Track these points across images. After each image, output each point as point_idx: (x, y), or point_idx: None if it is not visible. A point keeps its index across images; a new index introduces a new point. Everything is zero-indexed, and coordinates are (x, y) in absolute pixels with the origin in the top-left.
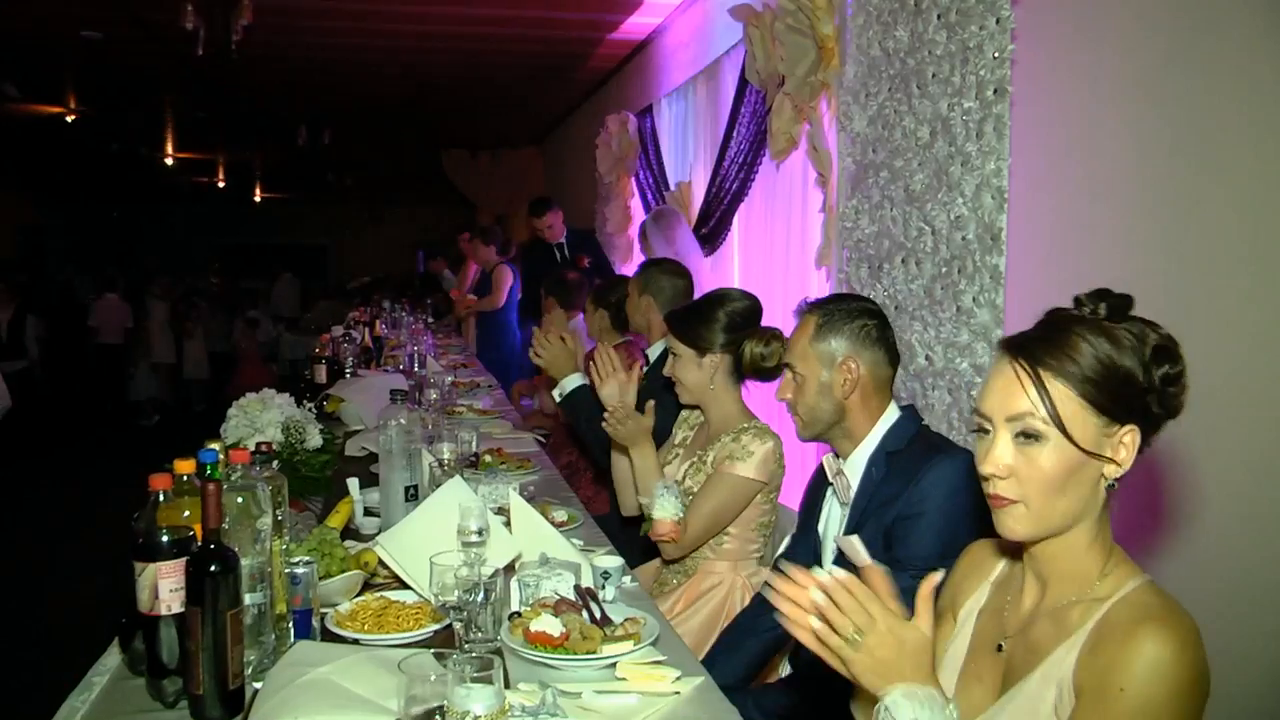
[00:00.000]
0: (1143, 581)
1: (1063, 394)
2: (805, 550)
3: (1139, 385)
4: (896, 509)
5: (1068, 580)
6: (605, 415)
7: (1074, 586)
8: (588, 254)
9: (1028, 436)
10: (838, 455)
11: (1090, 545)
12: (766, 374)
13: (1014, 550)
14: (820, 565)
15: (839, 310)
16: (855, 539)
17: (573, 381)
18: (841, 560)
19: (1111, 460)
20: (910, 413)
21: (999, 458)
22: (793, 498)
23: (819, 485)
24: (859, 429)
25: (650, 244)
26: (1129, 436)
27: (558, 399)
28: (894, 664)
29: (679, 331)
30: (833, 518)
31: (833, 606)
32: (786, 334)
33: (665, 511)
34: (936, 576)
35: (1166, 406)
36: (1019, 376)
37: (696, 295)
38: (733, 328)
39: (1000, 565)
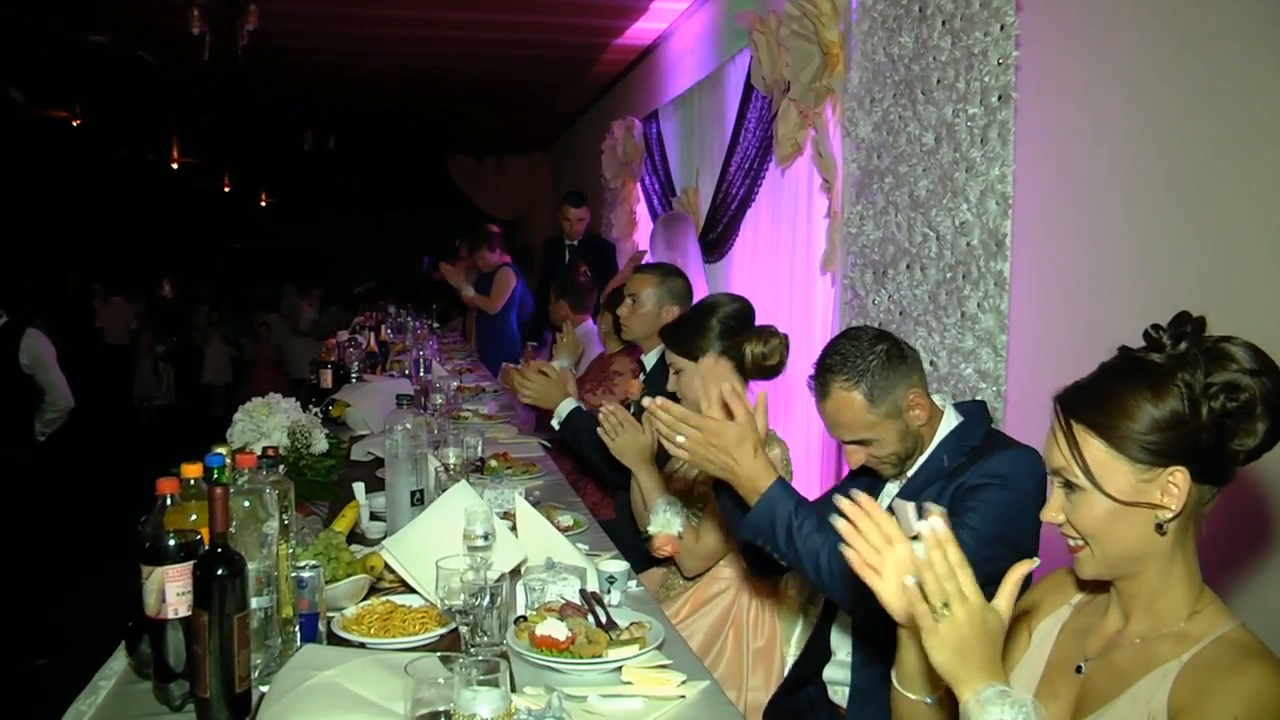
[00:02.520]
0: (1239, 624)
1: (1093, 446)
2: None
3: (1185, 428)
4: (961, 479)
5: (1153, 615)
6: (599, 427)
7: (1160, 621)
8: (592, 263)
9: (1070, 487)
10: None
11: (1173, 582)
12: (769, 372)
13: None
14: None
15: (867, 363)
16: (910, 506)
17: (567, 407)
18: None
19: (1157, 505)
20: (980, 411)
21: (1050, 507)
22: None
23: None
24: (925, 441)
25: (654, 245)
26: (1176, 477)
27: (556, 428)
28: (973, 646)
29: (677, 346)
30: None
31: (929, 566)
32: (789, 337)
33: (660, 526)
34: (1030, 564)
35: (1231, 437)
36: (1056, 431)
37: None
38: (727, 333)
39: (1084, 590)
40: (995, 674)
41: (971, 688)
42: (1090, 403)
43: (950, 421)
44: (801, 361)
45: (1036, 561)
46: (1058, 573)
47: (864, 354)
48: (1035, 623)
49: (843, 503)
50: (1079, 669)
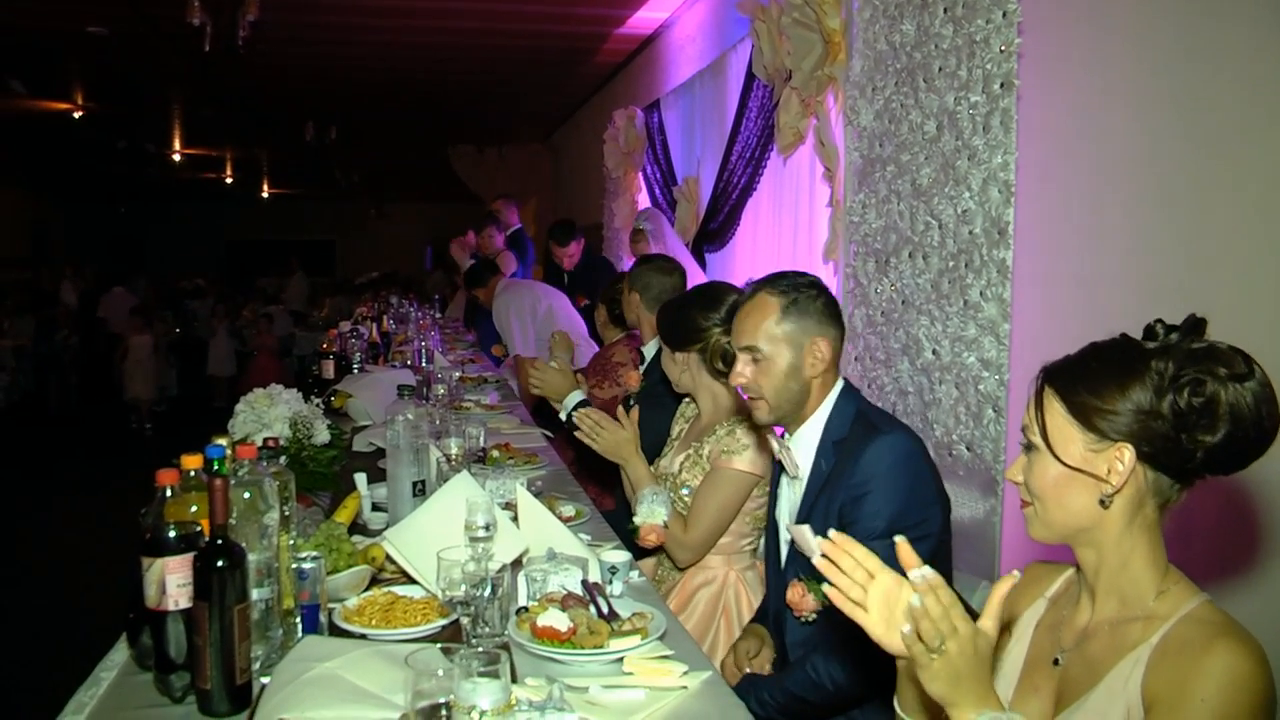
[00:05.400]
0: (1204, 600)
1: (1055, 411)
2: (772, 539)
3: (1144, 412)
4: (842, 493)
5: (1118, 596)
6: (577, 431)
7: (1127, 603)
8: (591, 290)
9: (1028, 448)
10: (784, 434)
11: (1130, 563)
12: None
13: (1071, 564)
14: (779, 554)
15: (800, 289)
16: (806, 528)
17: (574, 398)
18: (795, 549)
19: (1101, 478)
20: (847, 389)
21: (1014, 466)
22: None
23: (777, 472)
24: (811, 407)
25: (645, 244)
26: (1123, 455)
27: (563, 418)
28: (965, 674)
29: (659, 328)
30: (784, 500)
31: (925, 614)
32: None
33: (646, 517)
34: (1012, 579)
35: (1189, 431)
36: (1031, 395)
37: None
38: (693, 326)
39: (1057, 581)
40: (987, 696)
41: (965, 716)
42: (1065, 372)
43: (833, 396)
44: None
45: (1017, 575)
46: (1031, 567)
47: (799, 281)
48: (1016, 618)
49: (823, 543)
50: (1056, 661)
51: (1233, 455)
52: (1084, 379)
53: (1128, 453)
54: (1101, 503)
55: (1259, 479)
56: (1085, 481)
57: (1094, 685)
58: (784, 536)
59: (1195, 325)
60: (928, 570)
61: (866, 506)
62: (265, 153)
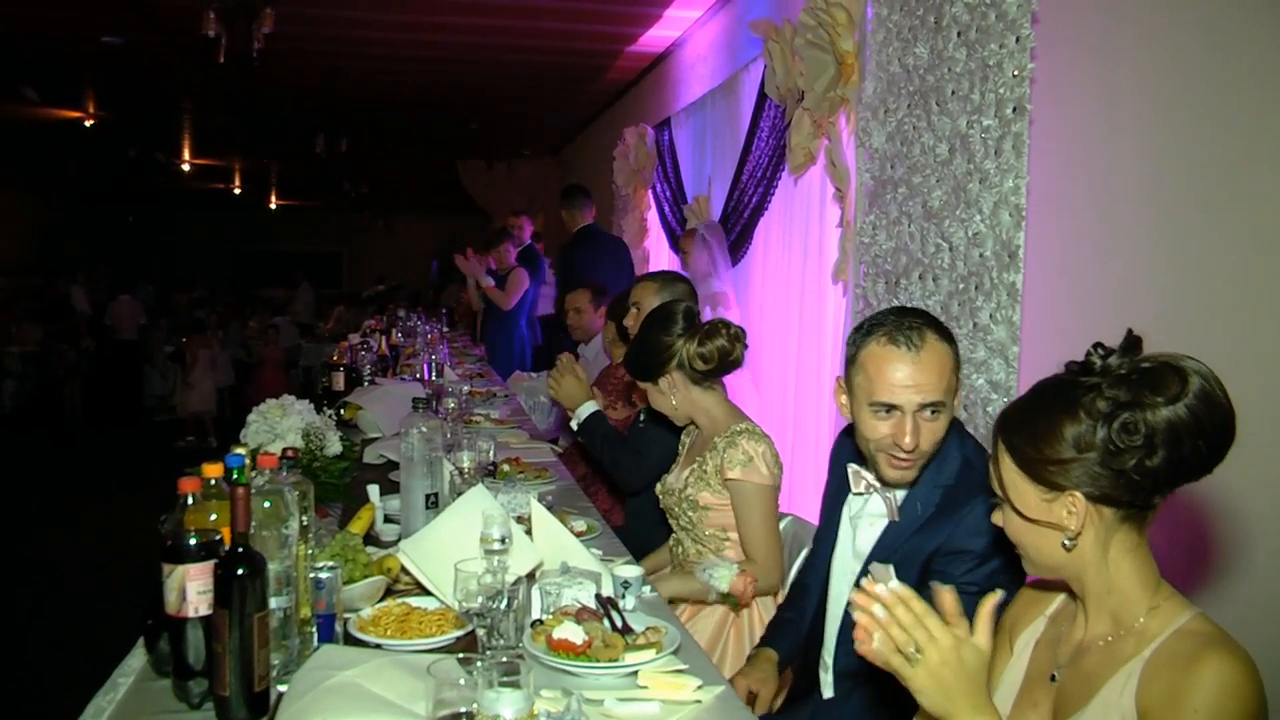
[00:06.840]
0: (1195, 614)
1: (1007, 464)
2: (817, 570)
3: (1080, 458)
4: (937, 541)
5: (1110, 615)
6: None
7: (1120, 621)
8: (585, 249)
9: (996, 500)
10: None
11: (1116, 584)
12: (717, 368)
13: (1068, 586)
14: (828, 583)
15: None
16: (890, 568)
17: (588, 409)
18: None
19: (1060, 526)
20: (959, 427)
21: (995, 512)
22: (796, 505)
23: (837, 495)
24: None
25: (693, 242)
26: (1074, 501)
27: (574, 427)
28: (953, 683)
29: (632, 376)
30: (861, 532)
31: (893, 622)
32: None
33: (725, 580)
34: (997, 596)
35: (1127, 464)
36: (991, 448)
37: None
38: (660, 347)
39: (1057, 600)
40: (983, 708)
41: None
42: (1011, 422)
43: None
44: (811, 368)
45: (1001, 594)
46: (1029, 589)
47: (936, 318)
48: (1015, 636)
49: (882, 592)
50: (1053, 677)
51: (1187, 468)
52: (1024, 429)
53: (1079, 499)
54: (1064, 546)
55: (1236, 488)
56: (1046, 530)
57: (1089, 700)
58: (845, 566)
59: (1130, 345)
60: (895, 583)
61: (960, 564)
62: (275, 163)
